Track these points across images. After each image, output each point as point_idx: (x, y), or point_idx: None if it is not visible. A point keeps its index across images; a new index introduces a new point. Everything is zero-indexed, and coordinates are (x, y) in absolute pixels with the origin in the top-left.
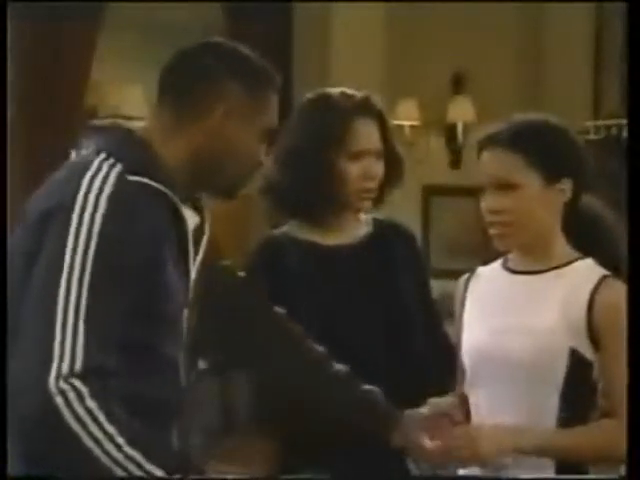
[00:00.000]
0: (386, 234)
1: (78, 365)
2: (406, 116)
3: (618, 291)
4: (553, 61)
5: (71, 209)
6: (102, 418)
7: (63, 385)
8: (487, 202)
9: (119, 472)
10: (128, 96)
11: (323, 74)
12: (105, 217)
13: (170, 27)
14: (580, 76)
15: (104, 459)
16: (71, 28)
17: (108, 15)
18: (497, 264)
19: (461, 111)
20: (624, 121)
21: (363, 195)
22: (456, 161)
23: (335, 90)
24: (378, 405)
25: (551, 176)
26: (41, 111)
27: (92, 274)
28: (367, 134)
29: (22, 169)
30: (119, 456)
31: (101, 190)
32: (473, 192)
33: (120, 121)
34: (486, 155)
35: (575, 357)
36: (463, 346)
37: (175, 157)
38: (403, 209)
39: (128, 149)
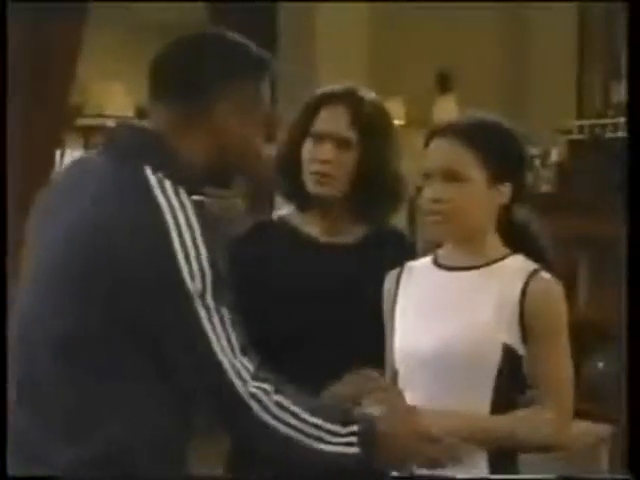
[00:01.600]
0: (383, 239)
1: (252, 370)
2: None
3: (548, 283)
4: (537, 61)
5: (168, 235)
6: (287, 403)
7: (251, 389)
8: (431, 190)
9: (307, 440)
10: (112, 95)
11: (308, 73)
12: (204, 238)
13: (155, 26)
14: (564, 76)
15: (294, 434)
16: (56, 26)
17: (93, 13)
18: (427, 260)
19: (446, 110)
20: (607, 121)
21: (314, 177)
22: None
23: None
24: None
25: (496, 177)
26: (25, 110)
27: (218, 298)
28: (330, 118)
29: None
30: (305, 427)
31: (186, 213)
32: None
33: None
34: (438, 143)
35: (507, 352)
36: (396, 344)
37: (191, 158)
38: None
39: (170, 159)
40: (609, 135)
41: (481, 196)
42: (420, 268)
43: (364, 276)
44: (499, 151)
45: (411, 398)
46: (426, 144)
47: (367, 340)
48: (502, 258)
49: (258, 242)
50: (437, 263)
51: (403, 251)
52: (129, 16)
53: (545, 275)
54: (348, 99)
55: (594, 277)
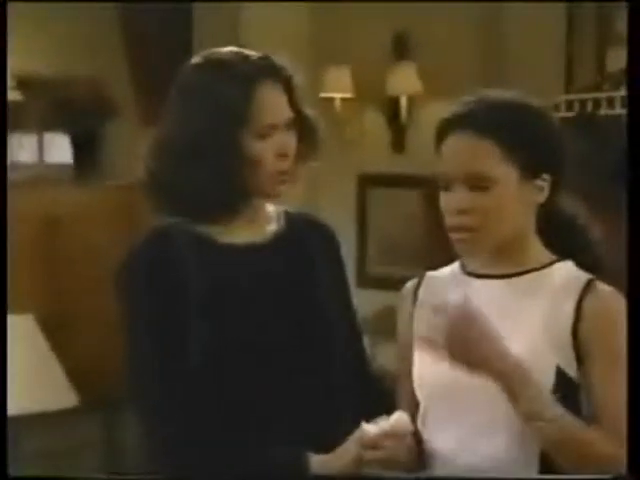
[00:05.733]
0: (300, 230)
1: None
2: (337, 87)
3: (608, 297)
4: (518, 24)
5: None
6: None
7: None
8: (454, 200)
9: None
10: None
11: (231, 36)
12: None
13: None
14: (550, 42)
15: None
16: None
17: None
18: (454, 267)
19: (404, 81)
20: (601, 94)
21: (278, 178)
22: (399, 143)
23: (226, 51)
24: None
25: (529, 170)
26: None
27: None
28: (275, 103)
29: None
30: None
31: None
32: (419, 182)
33: None
34: (453, 141)
35: (561, 376)
36: (416, 372)
37: None
38: (334, 203)
39: None
40: (604, 111)
41: (514, 197)
42: (444, 278)
43: (286, 276)
44: (529, 138)
45: (442, 435)
46: (438, 143)
47: (296, 348)
48: (548, 265)
49: (158, 247)
50: (467, 271)
51: (323, 241)
52: None
53: (602, 287)
54: (278, 72)
55: None
